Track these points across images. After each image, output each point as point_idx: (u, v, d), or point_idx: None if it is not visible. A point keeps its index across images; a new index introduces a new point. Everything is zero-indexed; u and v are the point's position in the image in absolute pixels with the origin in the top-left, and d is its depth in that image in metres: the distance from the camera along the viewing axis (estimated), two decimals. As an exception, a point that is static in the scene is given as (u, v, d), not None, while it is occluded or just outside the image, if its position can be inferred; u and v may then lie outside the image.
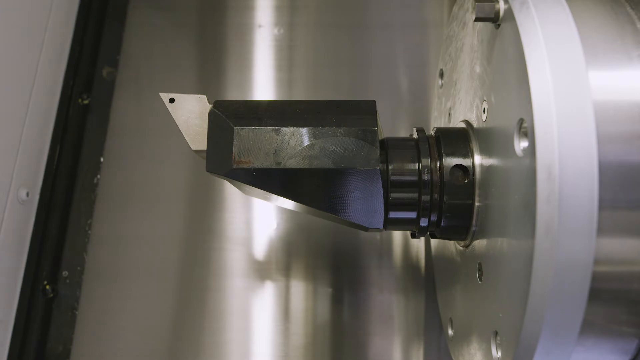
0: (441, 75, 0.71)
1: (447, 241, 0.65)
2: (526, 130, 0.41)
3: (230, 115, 0.55)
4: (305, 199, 0.56)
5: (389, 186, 0.55)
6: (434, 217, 0.56)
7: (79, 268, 0.85)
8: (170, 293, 0.83)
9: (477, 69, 0.55)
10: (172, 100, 0.58)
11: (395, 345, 0.80)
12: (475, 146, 0.54)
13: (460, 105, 0.61)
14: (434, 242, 0.77)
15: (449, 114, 0.66)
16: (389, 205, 0.56)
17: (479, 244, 0.53)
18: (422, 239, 0.84)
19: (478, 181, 0.53)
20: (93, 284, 0.84)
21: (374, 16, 0.99)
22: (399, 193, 0.56)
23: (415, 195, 0.55)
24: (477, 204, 0.53)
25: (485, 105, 0.52)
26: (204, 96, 0.57)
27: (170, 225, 0.86)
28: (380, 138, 0.55)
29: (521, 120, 0.42)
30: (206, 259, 0.84)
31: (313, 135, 0.54)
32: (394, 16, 0.98)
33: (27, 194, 0.80)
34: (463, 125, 0.58)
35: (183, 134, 0.57)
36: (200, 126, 0.56)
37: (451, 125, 0.65)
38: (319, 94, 0.94)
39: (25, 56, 0.81)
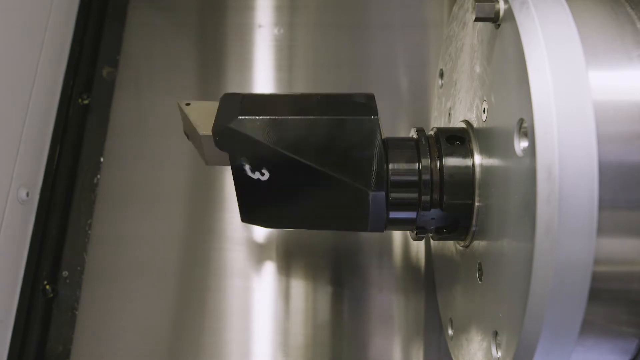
0: (441, 75, 0.71)
1: (447, 241, 0.65)
2: (526, 130, 0.41)
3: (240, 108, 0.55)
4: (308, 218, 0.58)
5: (389, 186, 0.55)
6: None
7: (79, 268, 0.85)
8: (170, 293, 0.83)
9: (477, 69, 0.55)
10: (188, 104, 0.58)
11: (395, 345, 0.80)
12: (475, 146, 0.54)
13: (460, 105, 0.61)
14: (434, 242, 0.77)
15: (449, 114, 0.66)
16: (389, 205, 0.56)
17: (479, 244, 0.53)
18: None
19: (478, 181, 0.53)
20: (93, 284, 0.84)
21: (374, 16, 0.99)
22: (399, 193, 0.56)
23: (415, 195, 0.55)
24: (477, 204, 0.53)
25: (485, 105, 0.52)
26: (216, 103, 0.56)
27: (170, 225, 0.86)
28: (381, 138, 0.55)
29: (521, 120, 0.42)
30: (206, 259, 0.84)
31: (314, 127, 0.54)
32: (394, 16, 0.98)
33: (27, 194, 0.80)
34: (463, 125, 0.58)
35: (198, 141, 0.56)
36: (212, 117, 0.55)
37: (451, 125, 0.65)
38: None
39: (25, 56, 0.81)
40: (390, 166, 0.55)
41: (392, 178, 0.55)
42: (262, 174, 0.54)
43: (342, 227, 0.60)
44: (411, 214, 0.56)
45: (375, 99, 0.57)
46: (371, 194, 0.53)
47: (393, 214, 0.56)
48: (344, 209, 0.55)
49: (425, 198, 0.55)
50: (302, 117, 0.53)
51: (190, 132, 0.60)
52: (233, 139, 0.53)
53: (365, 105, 0.55)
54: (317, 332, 0.81)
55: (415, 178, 0.55)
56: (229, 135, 0.53)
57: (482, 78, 0.53)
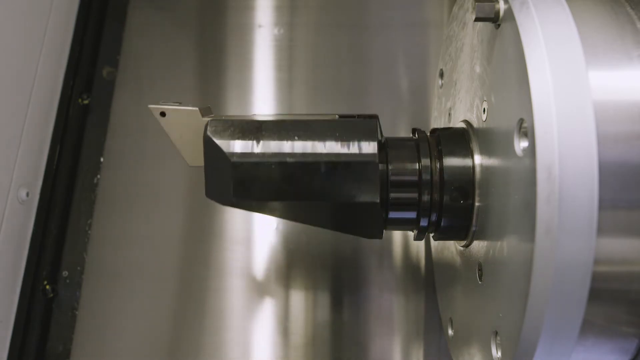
0: (441, 75, 0.71)
1: (447, 241, 0.65)
2: (526, 130, 0.41)
3: (227, 144, 0.51)
4: (305, 221, 0.56)
5: (389, 186, 0.55)
6: (434, 217, 0.56)
7: (79, 268, 0.85)
8: (170, 293, 0.83)
9: (477, 69, 0.55)
10: (163, 114, 0.54)
11: (395, 345, 0.80)
12: (475, 146, 0.54)
13: (460, 105, 0.61)
14: (434, 242, 0.77)
15: (449, 114, 0.66)
16: (390, 205, 0.56)
17: (479, 244, 0.53)
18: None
19: (478, 181, 0.53)
20: (93, 284, 0.84)
21: (374, 16, 0.99)
22: (399, 193, 0.56)
23: (415, 195, 0.55)
24: (477, 204, 0.53)
25: (485, 105, 0.52)
26: (196, 109, 0.53)
27: (170, 225, 0.86)
28: (380, 139, 0.55)
29: (521, 120, 0.42)
30: (206, 259, 0.84)
31: (316, 171, 0.51)
32: (394, 16, 0.98)
33: (27, 194, 0.80)
34: (463, 125, 0.58)
35: (179, 150, 0.55)
36: (196, 142, 0.53)
37: (451, 125, 0.65)
38: (319, 94, 0.94)
39: (25, 56, 0.81)
40: (390, 166, 0.55)
41: (392, 178, 0.55)
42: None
43: (338, 229, 0.60)
44: (411, 214, 0.56)
45: (377, 108, 0.56)
46: (366, 204, 0.52)
47: (393, 214, 0.56)
48: (341, 217, 0.55)
49: (426, 198, 0.55)
50: (302, 201, 0.52)
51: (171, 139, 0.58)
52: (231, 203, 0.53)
53: (365, 140, 0.53)
54: (317, 332, 0.81)
55: (415, 178, 0.55)
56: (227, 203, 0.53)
57: (482, 78, 0.53)
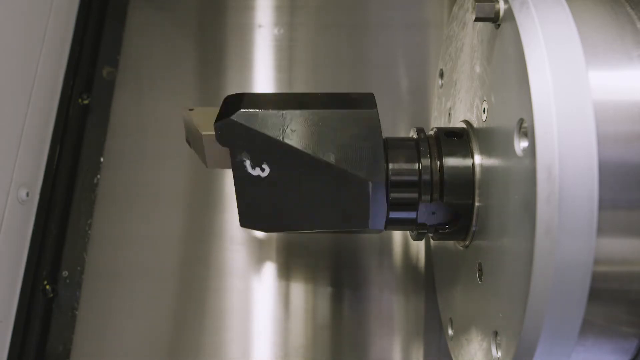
0: (441, 75, 0.71)
1: (447, 241, 0.65)
2: (526, 130, 0.41)
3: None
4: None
5: (389, 186, 0.55)
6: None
7: (79, 268, 0.85)
8: (170, 293, 0.83)
9: (477, 69, 0.55)
10: (191, 109, 0.59)
11: (395, 345, 0.80)
12: (475, 146, 0.54)
13: (460, 105, 0.61)
14: (434, 242, 0.77)
15: (449, 114, 0.66)
16: (390, 205, 0.56)
17: (479, 244, 0.53)
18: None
19: (478, 181, 0.53)
20: (93, 284, 0.84)
21: (374, 16, 0.99)
22: (399, 193, 0.56)
23: (415, 195, 0.55)
24: (477, 204, 0.53)
25: (485, 105, 0.52)
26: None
27: (170, 225, 0.86)
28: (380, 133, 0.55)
29: (521, 120, 0.42)
30: (206, 259, 0.84)
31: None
32: (394, 16, 0.98)
33: (27, 194, 0.80)
34: (463, 125, 0.58)
35: (196, 151, 0.58)
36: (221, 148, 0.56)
37: (451, 125, 0.65)
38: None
39: (25, 56, 0.81)
40: (390, 166, 0.55)
41: (392, 178, 0.55)
42: (263, 170, 0.54)
43: (343, 224, 0.60)
44: (411, 214, 0.56)
45: (375, 99, 0.57)
46: (371, 183, 0.53)
47: (393, 214, 0.56)
48: (345, 203, 0.55)
49: (426, 198, 0.55)
50: (304, 109, 0.54)
51: (192, 135, 0.60)
52: (234, 132, 0.53)
53: (365, 101, 0.56)
54: (317, 332, 0.81)
55: (415, 178, 0.55)
56: (231, 128, 0.53)
57: (482, 78, 0.53)
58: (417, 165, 0.55)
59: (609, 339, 0.47)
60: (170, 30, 0.99)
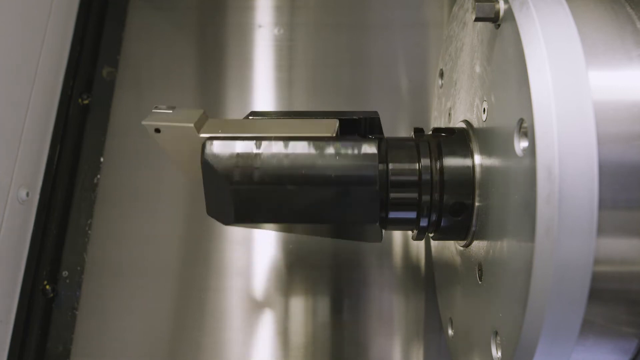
0: (441, 75, 0.71)
1: (447, 241, 0.65)
2: (526, 130, 0.41)
3: (225, 167, 0.50)
4: (303, 232, 0.56)
5: (389, 186, 0.55)
6: (434, 217, 0.56)
7: (79, 268, 0.85)
8: (170, 293, 0.83)
9: (477, 69, 0.55)
10: (158, 131, 0.52)
11: (395, 346, 0.80)
12: (475, 146, 0.54)
13: (460, 105, 0.61)
14: (434, 242, 0.77)
15: (449, 114, 0.66)
16: (389, 205, 0.56)
17: (479, 244, 0.53)
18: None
19: (478, 181, 0.53)
20: (93, 284, 0.84)
21: (374, 16, 0.99)
22: (399, 193, 0.55)
23: (415, 195, 0.55)
24: (477, 204, 0.53)
25: (485, 105, 0.52)
26: (192, 125, 0.51)
27: (170, 225, 0.86)
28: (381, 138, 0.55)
29: (521, 120, 0.42)
30: (206, 259, 0.84)
31: (314, 192, 0.51)
32: (394, 16, 0.98)
33: (27, 194, 0.80)
34: (463, 125, 0.58)
35: (175, 167, 0.54)
36: (193, 158, 0.51)
37: (451, 125, 0.65)
38: (319, 94, 0.94)
39: (25, 56, 0.81)
40: (390, 166, 0.55)
41: (392, 178, 0.55)
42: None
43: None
44: (411, 214, 0.56)
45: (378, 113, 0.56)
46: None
47: (393, 214, 0.56)
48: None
49: (426, 198, 0.55)
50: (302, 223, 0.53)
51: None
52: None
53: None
54: (317, 331, 0.81)
55: (416, 178, 0.55)
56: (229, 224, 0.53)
57: (482, 78, 0.53)
58: (417, 166, 0.55)
59: (609, 339, 0.46)
60: (170, 30, 0.99)
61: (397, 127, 0.90)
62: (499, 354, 0.47)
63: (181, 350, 0.80)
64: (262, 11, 0.99)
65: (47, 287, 0.83)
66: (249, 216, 0.51)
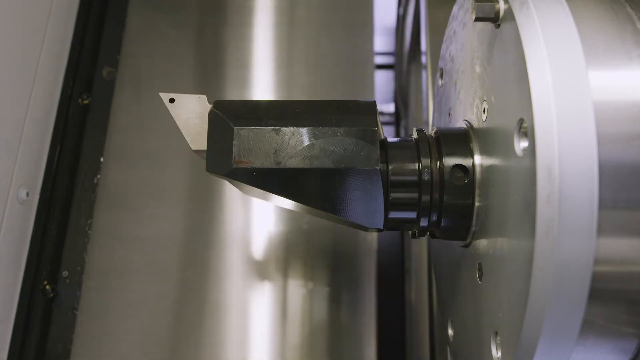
0: (441, 75, 0.71)
1: (447, 241, 0.65)
2: (526, 130, 0.41)
3: (231, 115, 0.55)
4: (305, 199, 0.56)
5: (389, 186, 0.55)
6: (434, 217, 0.56)
7: (79, 268, 0.85)
8: (170, 293, 0.83)
9: (477, 69, 0.55)
10: (172, 100, 0.57)
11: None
12: (475, 146, 0.54)
13: (460, 105, 0.61)
14: (433, 242, 0.77)
15: (449, 114, 0.66)
16: (389, 205, 0.56)
17: (479, 244, 0.53)
18: (423, 238, 0.84)
19: (478, 181, 0.53)
20: (93, 284, 0.84)
21: (373, 16, 0.99)
22: (399, 193, 0.55)
23: (415, 195, 0.55)
24: (477, 204, 0.53)
25: (485, 105, 0.52)
26: (204, 96, 0.56)
27: (170, 225, 0.86)
28: (380, 138, 0.55)
29: (521, 120, 0.42)
30: (206, 259, 0.84)
31: (313, 135, 0.54)
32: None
33: (27, 194, 0.80)
34: (463, 125, 0.58)
35: (183, 134, 0.57)
36: (201, 126, 0.56)
37: (451, 125, 0.65)
38: (319, 94, 0.94)
39: (25, 56, 0.81)
40: (390, 166, 0.55)
41: (392, 178, 0.55)
42: None
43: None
44: (411, 214, 0.56)
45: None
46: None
47: (393, 214, 0.56)
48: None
49: (426, 198, 0.55)
50: (300, 167, 0.53)
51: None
52: (228, 177, 0.55)
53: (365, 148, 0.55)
54: (315, 331, 0.81)
55: (416, 178, 0.55)
56: (224, 175, 0.54)
57: (482, 78, 0.53)
58: (417, 165, 0.55)
59: (609, 339, 0.46)
60: (170, 30, 0.99)
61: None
62: (499, 354, 0.47)
63: (181, 350, 0.80)
64: (262, 11, 0.99)
65: (47, 287, 0.83)
66: (249, 159, 0.53)
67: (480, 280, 0.52)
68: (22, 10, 0.80)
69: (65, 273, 0.85)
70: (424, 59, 0.95)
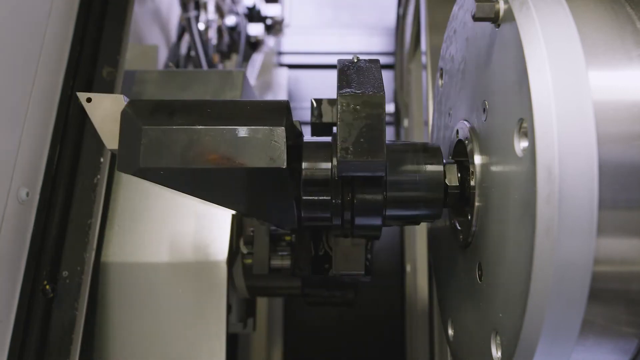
0: (441, 75, 0.71)
1: (447, 241, 0.65)
2: (526, 130, 0.41)
3: (141, 115, 0.54)
4: (216, 199, 0.56)
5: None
6: (347, 216, 0.57)
7: (79, 268, 0.85)
8: (170, 293, 0.83)
9: (477, 69, 0.55)
10: (89, 100, 0.56)
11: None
12: (475, 146, 0.54)
13: (460, 106, 0.61)
14: (434, 242, 0.77)
15: (449, 114, 0.66)
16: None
17: (479, 244, 0.53)
18: (424, 238, 0.84)
19: (478, 181, 0.53)
20: (93, 284, 0.84)
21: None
22: (312, 192, 0.56)
23: (329, 195, 0.56)
24: (477, 204, 0.53)
25: (485, 105, 0.52)
26: (121, 96, 0.56)
27: (170, 224, 0.86)
28: (294, 137, 0.55)
29: (521, 120, 0.42)
30: (206, 259, 0.84)
31: (222, 135, 0.52)
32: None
33: (27, 194, 0.80)
34: (463, 125, 0.58)
35: (99, 133, 0.56)
36: (116, 126, 0.55)
37: (451, 125, 0.65)
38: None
39: (25, 56, 0.81)
40: (304, 165, 0.56)
41: (305, 177, 0.56)
42: None
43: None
44: (324, 214, 0.57)
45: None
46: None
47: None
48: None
49: (337, 197, 0.56)
50: (207, 167, 0.53)
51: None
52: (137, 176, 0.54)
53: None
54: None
55: (328, 176, 0.56)
56: (132, 174, 0.54)
57: (482, 78, 0.53)
58: (329, 165, 0.56)
59: (609, 339, 0.47)
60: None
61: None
62: (499, 354, 0.47)
63: (181, 350, 0.80)
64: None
65: (47, 287, 0.83)
66: (157, 159, 0.53)
67: (480, 280, 0.52)
68: (22, 10, 0.81)
69: (65, 273, 0.85)
70: (424, 59, 0.95)
